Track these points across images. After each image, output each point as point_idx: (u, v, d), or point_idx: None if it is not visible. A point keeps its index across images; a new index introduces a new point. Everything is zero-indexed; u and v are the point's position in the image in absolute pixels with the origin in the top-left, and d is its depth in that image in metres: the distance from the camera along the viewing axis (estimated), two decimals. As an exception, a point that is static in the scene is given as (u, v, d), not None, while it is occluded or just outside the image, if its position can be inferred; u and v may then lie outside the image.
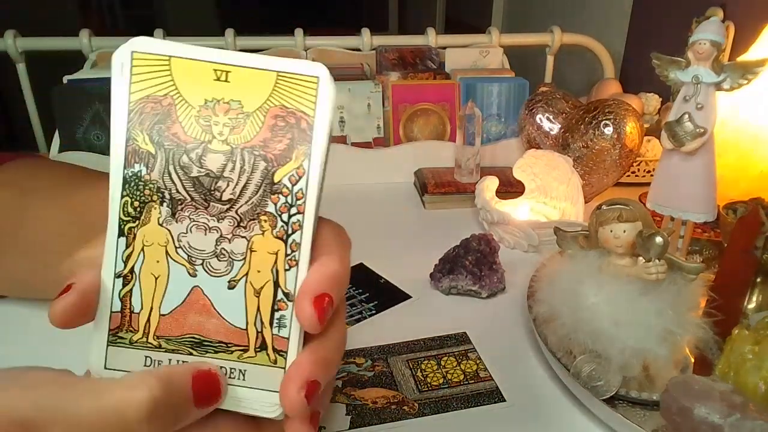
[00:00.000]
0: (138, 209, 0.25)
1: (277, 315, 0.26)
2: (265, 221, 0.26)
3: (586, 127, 0.71)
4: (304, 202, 0.26)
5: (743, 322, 0.44)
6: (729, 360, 0.37)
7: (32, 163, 0.47)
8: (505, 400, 0.43)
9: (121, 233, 0.26)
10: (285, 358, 0.26)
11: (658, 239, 0.38)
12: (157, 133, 0.25)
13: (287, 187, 0.26)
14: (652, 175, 0.58)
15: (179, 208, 0.25)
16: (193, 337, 0.26)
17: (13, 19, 1.11)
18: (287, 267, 0.26)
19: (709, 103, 0.49)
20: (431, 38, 1.01)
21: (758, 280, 0.47)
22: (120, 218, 0.25)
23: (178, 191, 0.25)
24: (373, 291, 0.57)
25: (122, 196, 0.25)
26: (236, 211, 0.25)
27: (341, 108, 0.85)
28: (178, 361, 0.26)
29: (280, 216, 0.26)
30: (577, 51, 1.14)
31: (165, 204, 0.25)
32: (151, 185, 0.25)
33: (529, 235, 0.65)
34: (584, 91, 1.08)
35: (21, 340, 0.48)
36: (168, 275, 0.26)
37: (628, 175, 0.79)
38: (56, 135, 0.81)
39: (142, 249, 0.26)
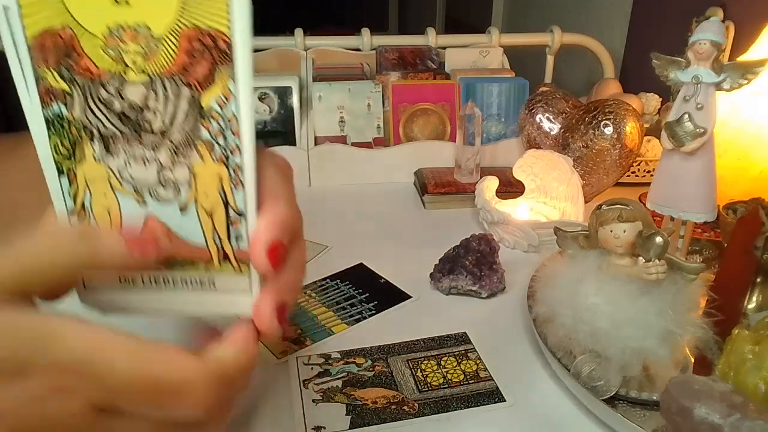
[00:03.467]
0: (69, 148, 0.25)
1: (233, 231, 0.26)
2: (202, 147, 0.25)
3: (586, 127, 0.71)
4: (238, 124, 0.25)
5: (743, 322, 0.44)
6: (729, 360, 0.37)
7: None
8: (505, 400, 0.43)
9: (60, 172, 0.26)
10: (249, 267, 0.27)
11: (658, 239, 0.38)
12: (66, 69, 0.24)
13: (217, 112, 0.25)
14: (652, 175, 0.58)
15: (111, 142, 0.25)
16: None
17: (13, 19, 1.10)
18: (233, 187, 0.26)
19: (709, 103, 0.49)
20: (431, 38, 1.01)
21: (758, 280, 0.47)
22: (54, 158, 0.25)
23: (105, 127, 0.25)
24: (373, 291, 0.57)
25: (50, 137, 0.25)
26: (170, 141, 0.25)
27: (341, 108, 0.85)
28: (150, 277, 0.27)
29: (216, 140, 0.25)
30: (577, 51, 1.14)
31: (96, 140, 0.25)
32: (76, 124, 0.25)
33: (529, 235, 0.65)
34: (584, 91, 1.08)
35: None
36: (119, 206, 0.26)
37: (628, 175, 0.79)
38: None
39: (87, 185, 0.26)
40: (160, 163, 0.25)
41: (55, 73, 0.24)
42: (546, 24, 1.11)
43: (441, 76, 0.92)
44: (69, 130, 0.25)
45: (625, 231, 0.40)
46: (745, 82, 0.48)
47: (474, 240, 0.57)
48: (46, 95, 0.24)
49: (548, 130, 0.77)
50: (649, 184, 0.56)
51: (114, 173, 0.26)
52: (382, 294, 0.56)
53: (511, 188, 0.74)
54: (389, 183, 0.85)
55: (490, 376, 0.45)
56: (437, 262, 0.57)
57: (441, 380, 0.45)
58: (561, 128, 0.76)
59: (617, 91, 0.96)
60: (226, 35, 0.23)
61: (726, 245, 0.55)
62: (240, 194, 0.26)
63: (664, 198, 0.54)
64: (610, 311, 0.39)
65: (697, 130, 0.49)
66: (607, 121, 0.69)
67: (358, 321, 0.52)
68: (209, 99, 0.24)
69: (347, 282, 0.58)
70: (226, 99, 0.24)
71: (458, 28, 2.23)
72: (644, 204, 0.49)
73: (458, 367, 0.46)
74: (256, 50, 0.97)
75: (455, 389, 0.44)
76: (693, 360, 0.43)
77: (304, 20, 1.16)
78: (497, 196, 0.69)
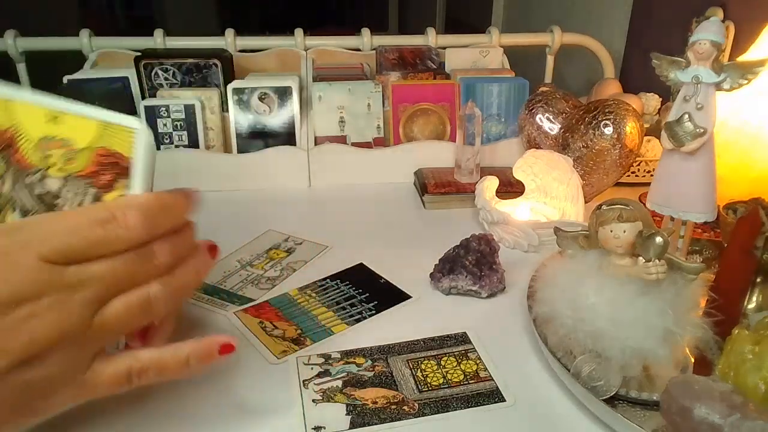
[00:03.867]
0: None
1: None
2: None
3: (586, 127, 0.71)
4: None
5: (743, 322, 0.44)
6: (729, 360, 0.37)
7: None
8: (505, 400, 0.43)
9: None
10: None
11: (658, 239, 0.38)
12: (4, 158, 0.32)
13: None
14: (652, 175, 0.58)
15: (29, 215, 0.33)
16: None
17: (13, 19, 1.11)
18: None
19: (709, 103, 0.49)
20: (431, 38, 1.01)
21: (758, 280, 0.47)
22: None
23: (25, 203, 0.33)
24: (373, 291, 0.57)
25: None
26: None
27: (341, 108, 0.85)
28: None
29: None
30: (577, 51, 1.14)
31: (17, 211, 0.33)
32: (4, 197, 0.33)
33: (529, 235, 0.65)
34: (584, 91, 1.08)
35: None
36: None
37: (628, 175, 0.79)
38: (56, 135, 0.81)
39: None
40: None
41: None
42: (546, 24, 1.11)
43: (441, 76, 0.92)
44: None
45: (625, 231, 0.40)
46: (745, 82, 0.48)
47: (474, 240, 0.57)
48: None
49: (548, 130, 0.77)
50: (649, 184, 0.56)
51: None
52: (382, 294, 0.56)
53: (511, 188, 0.74)
54: (389, 183, 0.85)
55: (490, 376, 0.45)
56: (437, 262, 0.57)
57: (441, 380, 0.45)
58: (561, 128, 0.76)
59: (617, 91, 0.96)
60: (128, 158, 0.32)
61: (726, 245, 0.55)
62: None
63: (664, 198, 0.54)
64: (610, 311, 0.39)
65: (697, 130, 0.49)
66: (607, 121, 0.69)
67: (358, 321, 0.52)
68: (108, 200, 0.32)
69: (347, 282, 0.58)
70: None
71: (458, 28, 2.23)
72: (644, 204, 0.49)
73: (458, 367, 0.46)
74: (257, 50, 0.98)
75: (455, 389, 0.44)
76: (693, 360, 0.43)
77: (304, 20, 1.16)
78: (497, 196, 0.69)
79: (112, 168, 0.32)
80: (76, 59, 0.94)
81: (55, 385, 0.31)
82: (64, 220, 0.30)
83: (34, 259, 0.29)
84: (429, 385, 0.44)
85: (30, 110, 0.32)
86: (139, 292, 0.32)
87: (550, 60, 1.11)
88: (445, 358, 0.47)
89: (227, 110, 0.82)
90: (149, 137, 0.31)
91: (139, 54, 0.85)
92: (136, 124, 0.31)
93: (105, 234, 0.30)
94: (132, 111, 0.84)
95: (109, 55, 0.94)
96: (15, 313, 0.28)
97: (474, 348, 0.48)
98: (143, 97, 0.84)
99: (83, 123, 0.32)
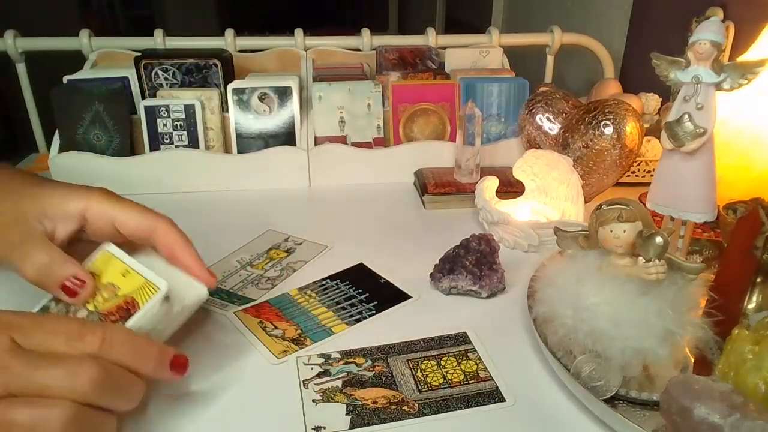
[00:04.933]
0: None
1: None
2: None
3: (586, 127, 0.71)
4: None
5: (743, 322, 0.44)
6: (729, 360, 0.37)
7: None
8: (505, 400, 0.43)
9: None
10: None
11: (658, 239, 0.38)
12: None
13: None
14: (652, 175, 0.58)
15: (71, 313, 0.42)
16: None
17: (13, 19, 1.11)
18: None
19: (709, 103, 0.49)
20: (431, 38, 1.01)
21: (758, 280, 0.47)
22: None
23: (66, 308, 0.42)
24: (373, 291, 0.57)
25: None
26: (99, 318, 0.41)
27: (341, 108, 0.85)
28: None
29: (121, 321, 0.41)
30: (577, 51, 1.14)
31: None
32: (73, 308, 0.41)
33: (529, 235, 0.65)
34: (584, 91, 1.08)
35: None
36: None
37: (628, 175, 0.79)
38: (56, 135, 0.81)
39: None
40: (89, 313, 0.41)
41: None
42: (546, 24, 1.11)
43: (441, 76, 0.92)
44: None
45: (625, 231, 0.40)
46: (745, 82, 0.48)
47: (474, 240, 0.57)
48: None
49: (548, 130, 0.77)
50: (649, 184, 0.56)
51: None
52: (382, 294, 0.56)
53: (511, 188, 0.74)
54: (389, 183, 0.85)
55: (490, 376, 0.45)
56: (437, 262, 0.57)
57: (441, 380, 0.45)
58: (561, 128, 0.76)
59: (617, 91, 0.96)
60: (139, 306, 0.39)
61: (726, 245, 0.55)
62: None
63: (664, 198, 0.54)
64: (610, 311, 0.39)
65: (697, 130, 0.49)
66: (607, 121, 0.69)
67: (358, 321, 0.52)
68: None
69: (347, 282, 0.58)
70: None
71: (458, 28, 2.23)
72: (644, 204, 0.49)
73: (458, 367, 0.46)
74: (257, 50, 0.98)
75: (455, 389, 0.44)
76: (693, 360, 0.43)
77: (304, 20, 1.16)
78: (497, 196, 0.69)
79: (121, 312, 0.39)
80: (76, 59, 0.94)
81: None
82: (44, 317, 0.38)
83: (7, 336, 0.33)
84: (429, 385, 0.44)
85: (115, 264, 0.41)
86: (40, 412, 0.32)
87: (550, 60, 1.11)
88: (445, 358, 0.47)
89: (227, 110, 0.82)
90: (161, 300, 0.39)
91: (139, 54, 0.85)
92: (162, 284, 0.39)
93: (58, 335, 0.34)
94: (132, 111, 0.84)
95: (109, 55, 0.94)
96: None
97: (474, 348, 0.48)
98: (143, 97, 0.84)
99: (136, 276, 0.39)
